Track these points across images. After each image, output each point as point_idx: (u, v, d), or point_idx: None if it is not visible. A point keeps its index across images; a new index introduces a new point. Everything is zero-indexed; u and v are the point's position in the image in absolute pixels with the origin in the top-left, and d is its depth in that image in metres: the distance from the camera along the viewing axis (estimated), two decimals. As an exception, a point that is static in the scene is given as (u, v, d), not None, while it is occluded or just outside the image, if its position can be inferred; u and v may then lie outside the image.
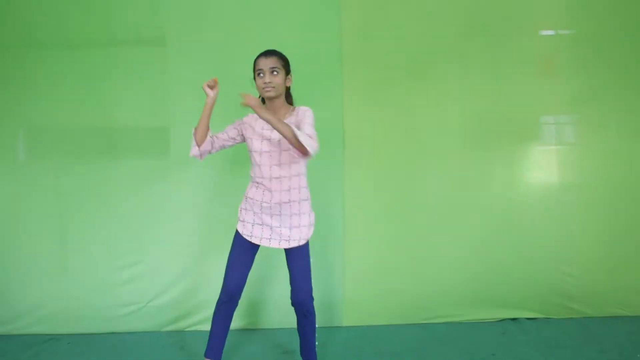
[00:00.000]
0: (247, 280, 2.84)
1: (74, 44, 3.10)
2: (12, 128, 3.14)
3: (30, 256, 3.13)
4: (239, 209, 2.46)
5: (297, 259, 2.43)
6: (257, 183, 2.38)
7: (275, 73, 2.34)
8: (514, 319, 3.22)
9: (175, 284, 3.15)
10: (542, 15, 3.21)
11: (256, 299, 3.14)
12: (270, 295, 3.15)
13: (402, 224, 3.22)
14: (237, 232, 2.45)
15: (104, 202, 3.13)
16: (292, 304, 2.42)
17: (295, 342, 2.80)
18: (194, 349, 2.88)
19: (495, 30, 3.19)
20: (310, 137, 2.21)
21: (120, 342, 3.03)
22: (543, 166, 3.28)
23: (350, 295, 3.18)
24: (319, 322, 3.03)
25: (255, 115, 2.37)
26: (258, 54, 2.36)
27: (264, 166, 2.36)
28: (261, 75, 2.34)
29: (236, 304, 2.44)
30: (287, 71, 2.42)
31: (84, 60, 3.10)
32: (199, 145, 2.41)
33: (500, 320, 3.24)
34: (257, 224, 2.43)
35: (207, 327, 2.90)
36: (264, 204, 2.39)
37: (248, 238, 2.42)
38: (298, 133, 2.18)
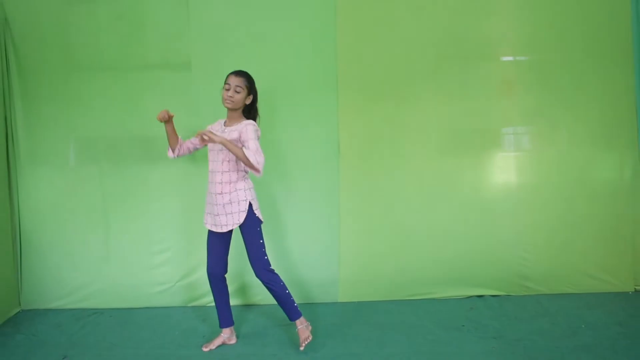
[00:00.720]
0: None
1: (113, 67, 3.32)
2: (64, 138, 3.35)
3: (79, 244, 3.38)
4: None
5: (245, 239, 2.67)
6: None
7: (237, 91, 2.63)
8: (480, 296, 3.44)
9: (198, 267, 3.40)
10: (503, 44, 3.41)
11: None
12: None
13: (387, 217, 3.43)
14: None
15: (141, 199, 3.37)
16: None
17: None
18: (214, 321, 3.11)
19: (464, 56, 3.37)
20: (255, 152, 2.48)
21: (153, 315, 3.27)
22: (504, 169, 3.46)
23: (345, 276, 3.42)
24: (319, 299, 3.39)
25: (214, 125, 2.75)
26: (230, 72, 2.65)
27: (210, 161, 2.70)
28: (227, 89, 2.63)
29: (222, 280, 2.80)
30: (250, 92, 2.67)
31: (123, 80, 3.32)
32: (172, 150, 2.84)
33: (469, 297, 3.44)
34: (207, 213, 2.73)
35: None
36: (209, 195, 2.69)
37: (207, 226, 2.74)
38: (247, 153, 2.46)
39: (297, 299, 3.33)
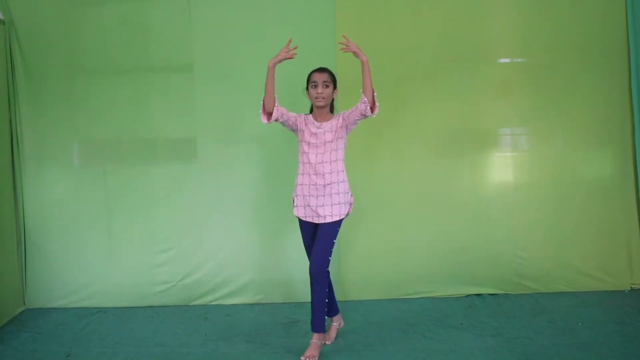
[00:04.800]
0: (255, 263, 3.26)
1: (117, 69, 3.36)
2: (68, 139, 3.38)
3: (83, 243, 3.39)
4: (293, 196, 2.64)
5: (322, 233, 2.57)
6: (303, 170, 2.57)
7: (326, 86, 2.58)
8: (478, 295, 3.44)
9: (200, 266, 3.40)
10: (500, 46, 3.44)
11: (264, 277, 3.40)
12: (277, 274, 3.40)
13: (386, 217, 3.44)
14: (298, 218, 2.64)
15: (144, 199, 3.38)
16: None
17: (299, 313, 3.18)
18: (215, 320, 3.14)
19: (461, 58, 3.39)
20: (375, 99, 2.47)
21: (155, 314, 3.27)
22: (501, 169, 3.48)
23: (345, 275, 3.43)
24: None
25: (304, 116, 2.63)
26: (312, 69, 2.60)
27: (311, 154, 2.57)
28: (315, 86, 2.57)
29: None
30: (335, 86, 2.63)
31: (127, 83, 3.35)
32: (269, 112, 2.54)
33: (467, 296, 3.44)
34: (305, 206, 2.61)
35: (227, 302, 3.38)
36: (311, 187, 2.58)
37: (303, 218, 2.62)
38: (374, 93, 2.46)
39: (297, 299, 3.40)
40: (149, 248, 3.41)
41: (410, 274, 3.42)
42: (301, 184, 2.63)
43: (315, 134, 2.59)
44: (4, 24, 3.29)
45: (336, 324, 2.87)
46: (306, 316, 3.12)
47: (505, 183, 3.48)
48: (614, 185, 3.47)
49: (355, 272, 3.42)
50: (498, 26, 3.42)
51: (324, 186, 2.59)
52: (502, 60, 3.45)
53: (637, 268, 3.50)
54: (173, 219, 3.41)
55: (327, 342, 2.78)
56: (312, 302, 2.66)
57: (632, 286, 3.50)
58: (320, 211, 2.60)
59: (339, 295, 3.37)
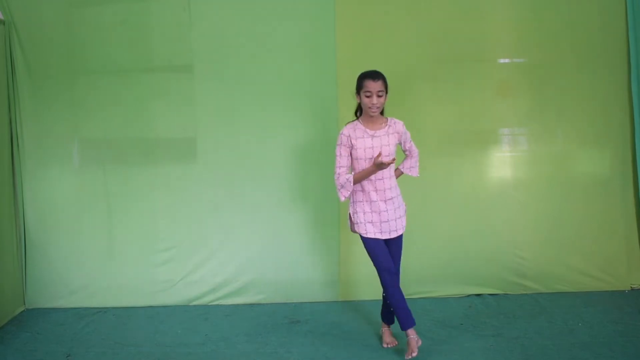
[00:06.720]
0: (256, 263, 3.24)
1: (117, 69, 3.34)
2: (69, 139, 3.37)
3: (83, 243, 3.38)
4: (350, 214, 2.63)
5: (398, 244, 2.64)
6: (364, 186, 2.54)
7: (380, 95, 2.50)
8: (478, 295, 3.42)
9: (200, 266, 3.40)
10: (500, 46, 3.41)
11: (264, 277, 3.39)
12: (277, 274, 3.39)
13: None
14: (360, 235, 2.60)
15: (144, 199, 3.38)
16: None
17: (299, 313, 3.19)
18: (215, 320, 3.14)
19: (462, 58, 3.37)
20: (413, 166, 2.75)
21: (156, 314, 3.27)
22: (501, 169, 3.46)
23: (345, 276, 3.42)
24: (321, 298, 3.39)
25: (352, 125, 2.57)
26: (364, 72, 2.52)
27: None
28: (369, 96, 2.49)
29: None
30: (387, 91, 2.55)
31: (127, 83, 3.34)
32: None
33: (467, 296, 3.42)
34: (368, 222, 2.57)
35: (227, 302, 3.37)
36: (373, 204, 2.56)
37: (370, 235, 2.57)
38: (414, 159, 2.75)
39: (298, 299, 3.41)
40: (149, 248, 3.40)
41: (410, 274, 3.32)
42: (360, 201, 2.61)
43: (372, 147, 2.54)
44: (4, 24, 3.28)
45: (413, 336, 2.64)
46: (306, 316, 3.18)
47: (505, 183, 3.47)
48: (614, 185, 3.46)
49: (355, 272, 3.41)
50: (498, 26, 3.41)
51: (385, 202, 2.58)
52: (502, 60, 3.43)
53: (637, 268, 3.49)
54: (173, 219, 3.41)
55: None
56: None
57: (632, 286, 3.48)
58: (387, 227, 2.61)
59: (339, 296, 3.43)
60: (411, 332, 2.60)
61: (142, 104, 3.36)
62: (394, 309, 2.63)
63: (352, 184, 2.56)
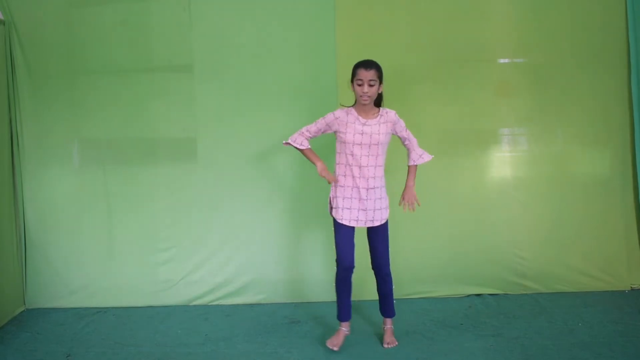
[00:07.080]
0: (256, 263, 3.24)
1: (118, 70, 3.34)
2: (69, 140, 3.36)
3: (84, 243, 3.38)
4: (330, 198, 2.66)
5: (379, 235, 2.68)
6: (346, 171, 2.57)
7: (371, 85, 2.50)
8: (478, 295, 3.43)
9: (201, 266, 3.40)
10: (500, 46, 3.41)
11: (264, 277, 3.39)
12: (277, 274, 3.39)
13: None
14: (334, 219, 2.64)
15: (144, 199, 3.37)
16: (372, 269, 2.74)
17: (299, 313, 3.18)
18: (215, 320, 3.14)
19: (462, 58, 3.36)
20: (421, 154, 2.71)
21: (156, 314, 3.26)
22: (501, 169, 3.46)
23: None
24: (321, 298, 3.37)
25: (347, 109, 2.59)
26: (358, 61, 2.53)
27: (356, 156, 2.55)
28: (360, 84, 2.49)
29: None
30: (381, 81, 2.55)
31: (127, 83, 3.33)
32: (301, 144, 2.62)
33: (467, 296, 3.42)
34: (346, 208, 2.59)
35: (227, 302, 3.38)
36: (354, 190, 2.57)
37: (344, 222, 2.60)
38: (416, 147, 2.70)
39: (298, 299, 3.41)
40: (149, 248, 3.39)
41: (410, 274, 3.40)
42: (342, 186, 2.62)
43: (362, 133, 2.55)
44: (4, 24, 3.28)
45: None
46: (306, 316, 3.18)
47: (505, 183, 3.46)
48: (614, 185, 3.47)
49: (355, 272, 3.24)
50: (498, 26, 3.41)
51: (367, 190, 2.58)
52: (502, 61, 3.43)
53: (637, 268, 3.49)
54: (173, 219, 3.40)
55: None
56: (384, 294, 2.82)
57: (632, 286, 3.49)
58: (366, 215, 2.64)
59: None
60: (344, 325, 2.76)
61: (142, 104, 3.35)
62: (336, 298, 2.76)
63: (300, 147, 2.63)
